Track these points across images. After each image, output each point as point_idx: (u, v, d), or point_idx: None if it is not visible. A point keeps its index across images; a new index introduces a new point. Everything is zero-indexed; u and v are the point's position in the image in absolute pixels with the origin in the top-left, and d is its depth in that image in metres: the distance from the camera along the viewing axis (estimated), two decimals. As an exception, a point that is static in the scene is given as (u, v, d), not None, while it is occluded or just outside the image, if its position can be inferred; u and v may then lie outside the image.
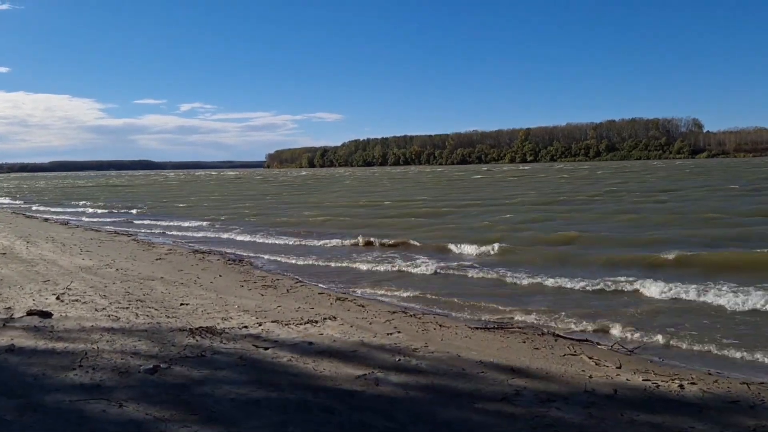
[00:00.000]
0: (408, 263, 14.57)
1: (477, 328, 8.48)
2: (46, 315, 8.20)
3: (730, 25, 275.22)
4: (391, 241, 18.52)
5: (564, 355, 7.15)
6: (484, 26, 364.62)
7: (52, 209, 40.62)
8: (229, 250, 18.27)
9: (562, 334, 8.13)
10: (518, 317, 9.28)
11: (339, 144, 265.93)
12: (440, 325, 8.59)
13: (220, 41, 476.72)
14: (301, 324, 8.41)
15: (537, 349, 7.42)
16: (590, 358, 7.01)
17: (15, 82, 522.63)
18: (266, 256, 16.71)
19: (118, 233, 23.56)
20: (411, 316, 9.29)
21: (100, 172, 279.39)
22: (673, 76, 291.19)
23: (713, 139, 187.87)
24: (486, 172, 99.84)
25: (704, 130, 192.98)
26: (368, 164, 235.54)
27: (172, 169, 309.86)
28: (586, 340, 7.90)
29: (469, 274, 13.12)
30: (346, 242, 18.95)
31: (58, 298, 9.54)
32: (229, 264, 15.09)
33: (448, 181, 66.82)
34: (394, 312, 9.52)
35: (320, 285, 12.41)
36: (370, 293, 11.59)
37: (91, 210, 38.78)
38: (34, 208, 42.69)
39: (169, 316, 8.58)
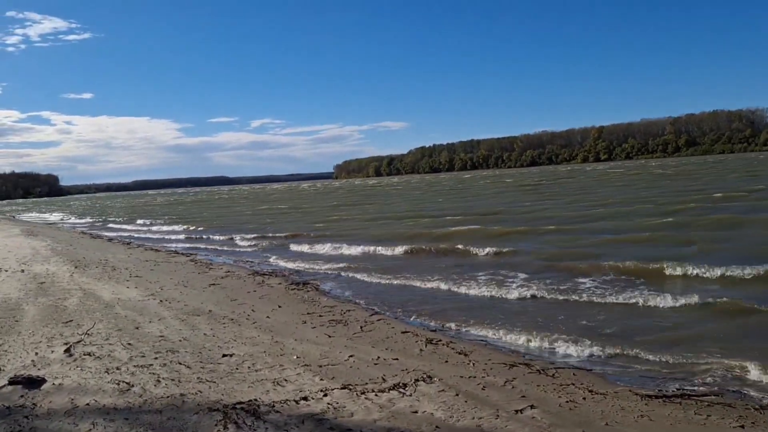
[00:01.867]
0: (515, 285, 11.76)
1: (651, 397, 5.61)
2: (35, 383, 5.95)
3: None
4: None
5: (836, 461, 4.21)
6: (550, 24, 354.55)
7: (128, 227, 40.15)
8: (290, 266, 16.08)
9: (796, 410, 5.15)
10: (706, 376, 6.30)
11: (405, 152, 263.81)
12: (591, 392, 5.77)
13: (286, 58, 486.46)
14: (383, 391, 5.81)
15: (777, 445, 4.50)
16: None
17: (98, 106, 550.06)
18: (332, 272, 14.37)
19: (177, 253, 21.87)
20: (540, 372, 6.50)
21: (179, 189, 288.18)
22: (755, 64, 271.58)
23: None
24: (571, 172, 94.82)
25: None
26: (435, 170, 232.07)
27: (247, 184, 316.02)
28: None
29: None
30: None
31: (67, 351, 7.34)
32: (292, 289, 12.73)
33: (555, 181, 62.56)
34: (512, 365, 6.76)
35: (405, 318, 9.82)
36: (469, 330, 8.87)
37: (167, 228, 37.96)
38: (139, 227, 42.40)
39: (201, 380, 6.17)
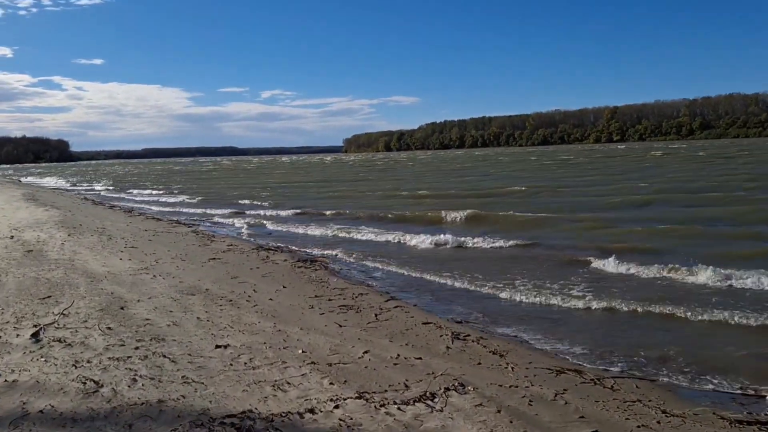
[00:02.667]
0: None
1: (742, 424, 4.50)
2: (-16, 379, 4.92)
3: None
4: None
5: None
6: (565, 2, 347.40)
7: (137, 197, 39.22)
8: (297, 242, 15.04)
9: None
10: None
11: (415, 127, 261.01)
12: (665, 412, 4.67)
13: (298, 29, 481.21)
14: (407, 403, 4.74)
15: None
16: None
17: (109, 73, 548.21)
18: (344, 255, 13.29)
19: (179, 223, 20.85)
20: (595, 382, 5.40)
21: (189, 158, 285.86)
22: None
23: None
24: (592, 152, 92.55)
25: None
26: (445, 147, 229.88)
27: (256, 155, 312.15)
28: None
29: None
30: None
31: (35, 335, 6.31)
32: (299, 267, 11.66)
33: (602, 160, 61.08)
34: (559, 371, 5.66)
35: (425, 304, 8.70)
36: (500, 325, 7.78)
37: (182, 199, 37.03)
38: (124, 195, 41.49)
39: (187, 380, 5.12)
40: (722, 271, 9.51)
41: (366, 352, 6.13)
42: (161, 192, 40.54)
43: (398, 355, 6.06)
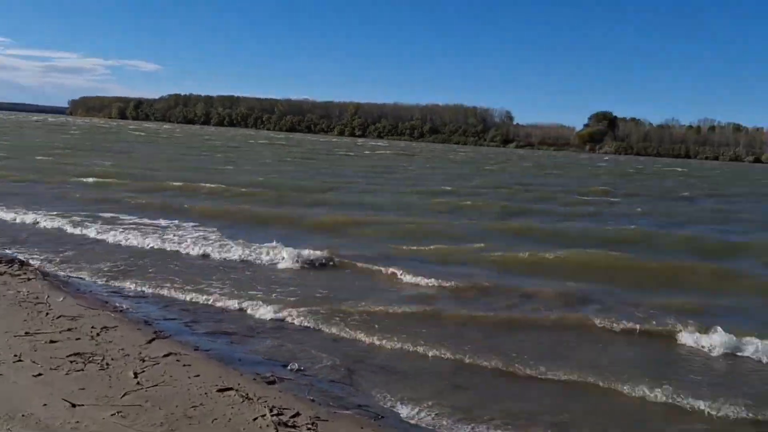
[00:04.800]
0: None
1: None
2: None
3: (541, 25, 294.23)
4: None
5: None
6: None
7: None
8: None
9: None
10: None
11: (157, 97, 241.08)
12: None
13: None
14: None
15: None
16: None
17: None
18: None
19: None
20: None
21: None
22: (488, 65, 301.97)
23: (521, 131, 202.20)
24: (369, 147, 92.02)
25: (514, 122, 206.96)
26: (189, 122, 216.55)
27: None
28: None
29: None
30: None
31: None
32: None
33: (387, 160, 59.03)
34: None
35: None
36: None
37: None
38: None
39: None
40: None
41: (130, 477, 3.30)
42: None
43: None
